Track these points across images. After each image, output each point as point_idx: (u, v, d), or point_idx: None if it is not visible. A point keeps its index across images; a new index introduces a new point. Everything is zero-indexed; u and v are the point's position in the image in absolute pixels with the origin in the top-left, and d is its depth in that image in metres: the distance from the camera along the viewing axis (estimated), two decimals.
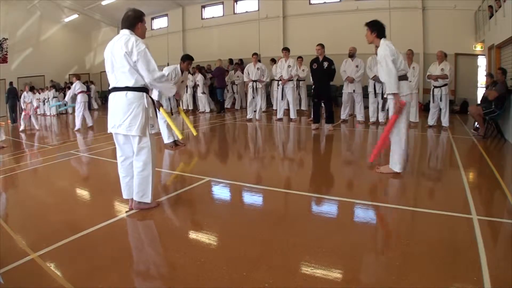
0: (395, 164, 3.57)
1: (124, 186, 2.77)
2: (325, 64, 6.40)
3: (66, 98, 8.54)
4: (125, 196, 2.80)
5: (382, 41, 3.50)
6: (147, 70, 2.51)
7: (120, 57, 2.51)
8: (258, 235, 2.34)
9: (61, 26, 16.35)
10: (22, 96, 9.31)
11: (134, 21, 2.60)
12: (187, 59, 5.06)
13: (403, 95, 3.45)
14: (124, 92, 2.55)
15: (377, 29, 3.52)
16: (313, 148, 5.68)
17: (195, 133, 5.35)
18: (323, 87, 6.54)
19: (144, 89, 2.61)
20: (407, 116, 3.53)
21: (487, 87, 6.64)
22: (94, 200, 3.26)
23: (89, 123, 8.28)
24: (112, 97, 2.63)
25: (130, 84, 2.54)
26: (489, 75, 6.90)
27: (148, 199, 2.71)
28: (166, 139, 5.28)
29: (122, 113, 2.55)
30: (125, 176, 2.75)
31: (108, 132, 2.72)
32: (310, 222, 2.58)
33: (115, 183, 2.92)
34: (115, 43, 2.57)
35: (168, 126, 5.17)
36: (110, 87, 2.67)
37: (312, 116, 7.20)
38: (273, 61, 9.97)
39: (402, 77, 3.49)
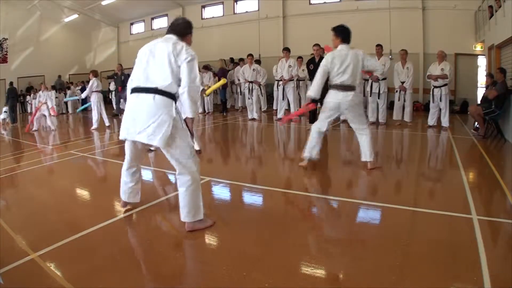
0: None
1: (127, 189, 2.68)
2: None
3: (83, 95, 8.54)
4: (124, 199, 2.73)
5: (340, 47, 3.65)
6: (188, 76, 2.25)
7: (163, 55, 2.29)
8: (258, 235, 2.34)
9: (61, 26, 16.33)
10: (38, 95, 9.10)
11: (185, 31, 2.48)
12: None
13: (327, 100, 3.73)
14: (151, 95, 2.25)
15: (341, 34, 3.66)
16: None
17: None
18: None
19: (173, 96, 2.31)
20: (323, 119, 3.81)
21: (487, 87, 6.64)
22: (94, 200, 3.26)
23: (106, 122, 8.35)
24: (135, 97, 2.33)
25: (162, 86, 2.26)
26: (489, 75, 6.90)
27: (201, 215, 2.42)
28: None
29: (146, 118, 2.22)
30: (130, 181, 2.67)
31: (121, 138, 2.40)
32: (310, 222, 2.58)
33: (116, 183, 2.91)
34: (158, 43, 2.39)
35: None
36: (132, 86, 2.39)
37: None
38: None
39: (335, 86, 3.65)
